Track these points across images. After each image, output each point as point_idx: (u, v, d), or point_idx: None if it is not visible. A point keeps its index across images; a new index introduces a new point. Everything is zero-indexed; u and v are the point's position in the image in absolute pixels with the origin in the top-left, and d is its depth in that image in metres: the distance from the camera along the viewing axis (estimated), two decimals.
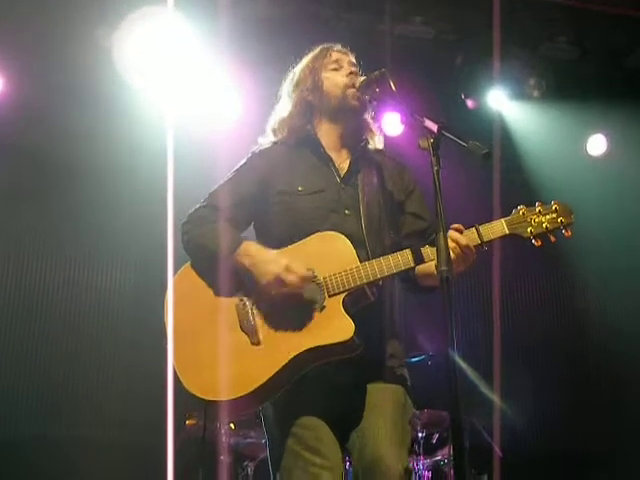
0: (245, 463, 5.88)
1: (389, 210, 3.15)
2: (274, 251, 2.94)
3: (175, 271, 4.97)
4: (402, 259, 2.89)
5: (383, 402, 2.98)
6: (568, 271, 7.79)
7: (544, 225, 2.90)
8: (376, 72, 3.10)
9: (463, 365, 6.44)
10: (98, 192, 6.60)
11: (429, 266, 2.87)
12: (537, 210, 2.93)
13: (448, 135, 2.61)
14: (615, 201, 7.51)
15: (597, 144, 7.68)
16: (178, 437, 5.41)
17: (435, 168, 2.57)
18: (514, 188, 6.56)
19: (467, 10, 6.39)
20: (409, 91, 3.15)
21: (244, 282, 2.97)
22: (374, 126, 3.34)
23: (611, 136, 7.65)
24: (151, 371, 6.09)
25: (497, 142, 6.30)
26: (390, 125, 6.64)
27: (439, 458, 5.97)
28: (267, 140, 3.32)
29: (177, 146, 5.77)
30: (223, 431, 5.52)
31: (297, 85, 3.31)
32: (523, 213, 2.93)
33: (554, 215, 2.91)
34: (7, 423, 6.43)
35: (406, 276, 3.09)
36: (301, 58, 3.44)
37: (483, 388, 6.56)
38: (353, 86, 3.18)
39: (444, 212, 2.57)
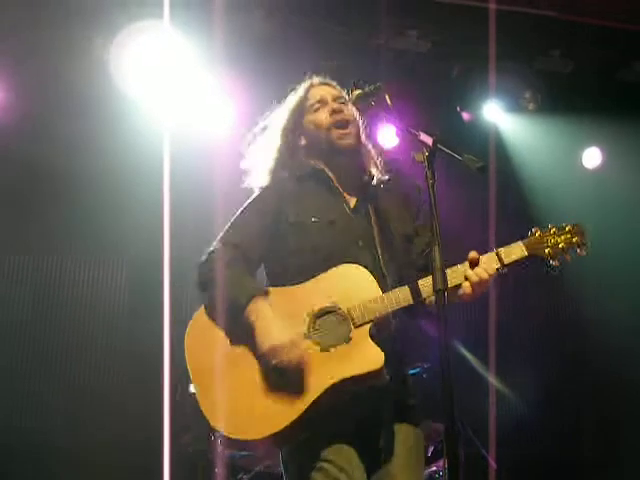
0: (240, 476, 5.86)
1: (399, 244, 3.16)
2: (273, 319, 2.91)
3: (171, 279, 5.00)
4: (422, 288, 2.90)
5: (407, 453, 3.02)
6: (565, 283, 7.81)
7: (560, 245, 2.99)
8: (371, 86, 3.09)
9: (469, 356, 6.49)
10: (95, 200, 6.62)
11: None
12: (552, 231, 3.01)
13: (443, 149, 2.63)
14: (611, 213, 7.52)
15: (592, 157, 7.70)
16: (172, 450, 5.41)
17: (430, 182, 2.58)
18: (510, 201, 6.59)
19: (462, 24, 6.41)
20: (404, 105, 3.16)
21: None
22: (376, 157, 3.35)
23: (606, 149, 7.67)
24: (146, 382, 6.17)
25: (493, 155, 6.32)
26: (385, 138, 6.66)
27: (434, 469, 5.96)
28: (264, 175, 3.33)
29: (172, 157, 5.81)
30: (217, 443, 5.50)
31: (284, 128, 3.32)
32: (539, 235, 3.00)
33: (568, 235, 3.01)
34: None
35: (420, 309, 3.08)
36: (297, 76, 3.46)
37: (486, 376, 6.58)
38: (338, 127, 3.19)
39: (439, 226, 2.59)
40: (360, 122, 3.26)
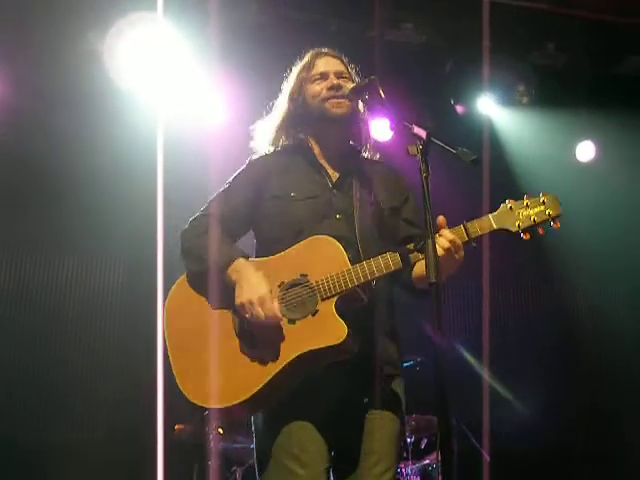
0: (233, 468, 5.88)
1: (383, 216, 3.16)
2: (258, 275, 2.94)
3: (165, 273, 4.97)
4: (392, 261, 2.88)
5: (381, 448, 3.00)
6: (559, 275, 7.84)
7: (532, 218, 2.86)
8: (365, 79, 3.11)
9: (465, 354, 6.51)
10: (89, 195, 6.61)
11: (423, 269, 2.84)
12: (525, 203, 2.90)
13: (437, 142, 2.63)
14: (604, 206, 7.54)
15: (586, 150, 7.72)
16: (167, 442, 5.42)
17: (424, 175, 2.58)
18: (503, 194, 6.57)
19: (457, 17, 6.41)
20: (398, 98, 3.17)
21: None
22: (369, 135, 3.37)
23: (600, 142, 7.69)
24: (141, 376, 6.17)
25: (486, 148, 6.32)
26: (379, 131, 6.66)
27: (427, 462, 5.98)
28: (260, 148, 3.37)
29: (167, 149, 5.81)
30: (212, 436, 5.51)
31: (288, 97, 3.34)
32: (510, 207, 2.90)
33: (542, 207, 2.88)
34: None
35: (402, 280, 3.08)
36: (292, 64, 3.47)
37: (483, 374, 6.60)
38: (333, 97, 3.19)
39: (433, 219, 2.59)
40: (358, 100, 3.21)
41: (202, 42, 5.87)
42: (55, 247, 6.92)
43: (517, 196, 2.99)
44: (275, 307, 2.87)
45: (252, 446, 5.61)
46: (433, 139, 2.63)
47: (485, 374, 6.61)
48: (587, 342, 7.92)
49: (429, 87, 6.95)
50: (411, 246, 2.88)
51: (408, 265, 2.91)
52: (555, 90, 7.04)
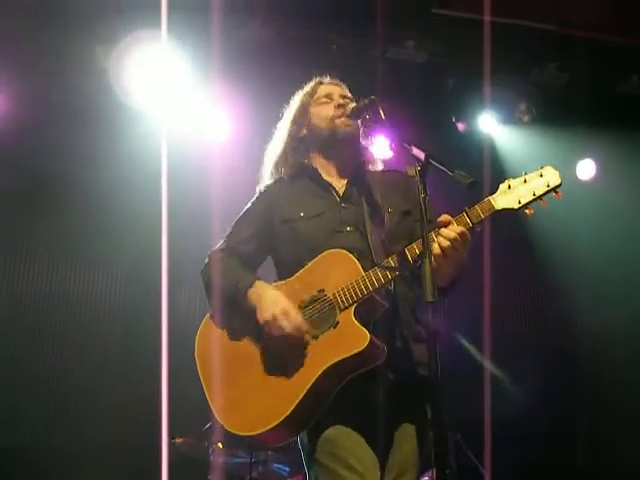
0: None
1: (395, 222, 3.18)
2: (276, 291, 3.03)
3: (169, 285, 5.00)
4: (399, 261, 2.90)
5: (403, 461, 3.04)
6: (562, 293, 7.84)
7: (532, 192, 2.84)
8: (366, 100, 3.15)
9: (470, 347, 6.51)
10: (93, 207, 6.64)
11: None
12: (523, 179, 2.88)
13: (435, 164, 2.66)
14: (605, 225, 7.56)
15: (586, 169, 7.74)
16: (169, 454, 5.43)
17: (422, 196, 2.61)
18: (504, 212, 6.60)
19: (459, 35, 6.46)
20: (398, 118, 3.22)
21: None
22: (371, 152, 3.43)
23: (600, 161, 7.71)
24: (144, 386, 6.19)
25: (487, 166, 6.36)
26: (379, 149, 6.70)
27: (426, 479, 5.97)
28: (267, 177, 3.44)
29: (171, 164, 5.86)
30: (212, 450, 5.53)
31: (290, 122, 3.42)
32: (509, 186, 2.89)
33: (541, 180, 2.85)
34: None
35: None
36: (294, 81, 3.53)
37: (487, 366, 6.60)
38: (342, 116, 3.25)
39: (430, 239, 2.63)
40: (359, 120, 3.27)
41: (205, 59, 5.92)
42: (61, 258, 6.93)
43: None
44: (299, 317, 2.94)
45: (254, 460, 5.66)
46: (431, 161, 2.66)
47: (486, 371, 6.62)
48: (588, 353, 7.93)
49: (430, 105, 6.99)
50: (410, 256, 2.89)
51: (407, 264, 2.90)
52: (556, 109, 7.07)
